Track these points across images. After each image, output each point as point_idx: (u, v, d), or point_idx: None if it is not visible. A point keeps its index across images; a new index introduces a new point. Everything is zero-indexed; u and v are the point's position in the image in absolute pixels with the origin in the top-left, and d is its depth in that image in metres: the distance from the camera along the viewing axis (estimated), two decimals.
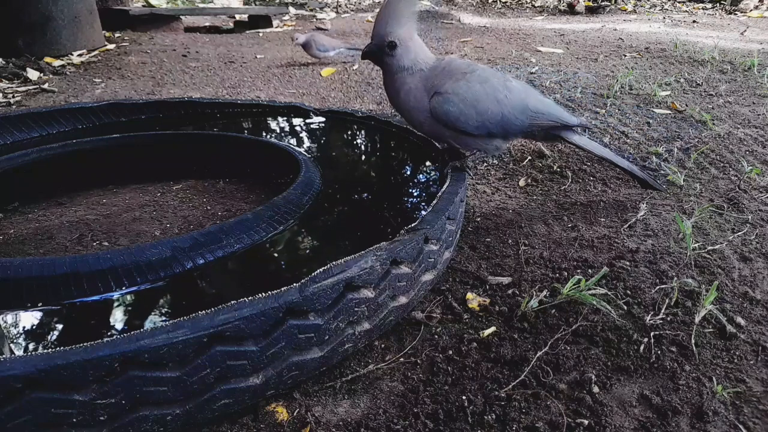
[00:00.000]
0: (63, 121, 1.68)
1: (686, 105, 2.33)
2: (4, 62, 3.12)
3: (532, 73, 2.90)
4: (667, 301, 1.04)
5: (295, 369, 0.78)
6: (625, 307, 1.03)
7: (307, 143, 1.65)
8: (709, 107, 2.32)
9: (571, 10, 6.26)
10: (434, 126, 1.21)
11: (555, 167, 1.72)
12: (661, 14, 5.97)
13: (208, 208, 1.41)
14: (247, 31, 4.91)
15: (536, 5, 6.88)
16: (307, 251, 1.05)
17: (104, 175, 1.56)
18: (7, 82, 2.82)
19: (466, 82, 1.17)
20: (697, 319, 0.97)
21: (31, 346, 0.76)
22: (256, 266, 0.98)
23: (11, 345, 0.76)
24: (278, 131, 1.78)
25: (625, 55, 3.39)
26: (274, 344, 0.74)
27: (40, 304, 0.82)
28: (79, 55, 3.44)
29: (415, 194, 1.28)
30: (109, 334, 0.76)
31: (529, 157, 1.81)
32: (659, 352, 0.91)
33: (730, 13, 6.08)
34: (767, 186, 1.56)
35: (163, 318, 0.82)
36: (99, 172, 1.55)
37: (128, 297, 0.86)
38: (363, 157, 1.57)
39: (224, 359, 0.70)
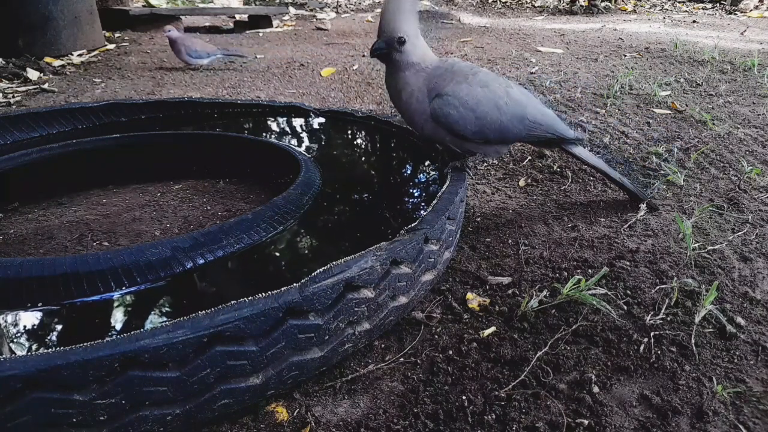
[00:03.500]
0: (63, 121, 1.68)
1: (686, 105, 2.33)
2: (4, 62, 3.12)
3: (532, 73, 2.90)
4: (667, 301, 1.04)
5: (295, 369, 0.78)
6: (625, 307, 1.03)
7: (307, 143, 1.65)
8: (709, 107, 2.32)
9: (572, 5, 6.26)
10: (434, 128, 1.20)
11: (555, 167, 1.72)
12: (661, 14, 5.97)
13: (208, 208, 1.41)
14: (247, 31, 4.91)
15: (536, 5, 6.88)
16: (307, 251, 1.05)
17: (104, 175, 1.56)
18: (7, 82, 2.82)
19: (468, 86, 1.16)
20: (697, 319, 0.97)
21: (31, 346, 0.76)
22: (256, 266, 0.97)
23: (11, 345, 0.76)
24: (278, 131, 1.78)
25: (625, 55, 3.39)
26: (274, 344, 0.74)
27: (40, 304, 0.82)
28: (79, 55, 3.45)
29: (415, 194, 1.28)
30: (109, 334, 0.76)
31: (529, 157, 1.80)
32: (659, 352, 0.91)
33: (730, 13, 6.08)
34: (767, 186, 1.56)
35: (163, 318, 0.82)
36: (99, 172, 1.55)
37: (128, 297, 0.86)
38: (363, 157, 1.57)
39: (224, 359, 0.70)
